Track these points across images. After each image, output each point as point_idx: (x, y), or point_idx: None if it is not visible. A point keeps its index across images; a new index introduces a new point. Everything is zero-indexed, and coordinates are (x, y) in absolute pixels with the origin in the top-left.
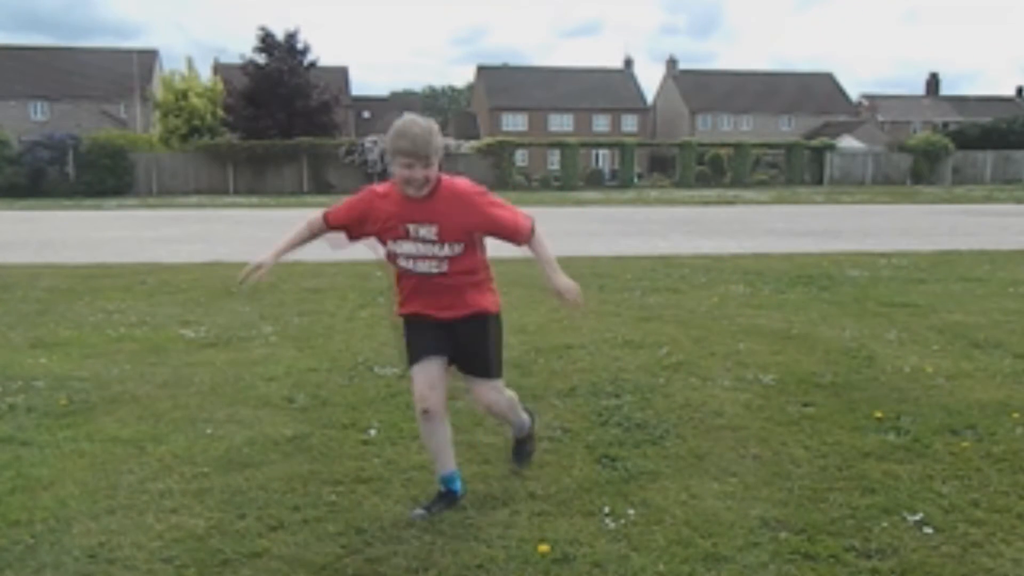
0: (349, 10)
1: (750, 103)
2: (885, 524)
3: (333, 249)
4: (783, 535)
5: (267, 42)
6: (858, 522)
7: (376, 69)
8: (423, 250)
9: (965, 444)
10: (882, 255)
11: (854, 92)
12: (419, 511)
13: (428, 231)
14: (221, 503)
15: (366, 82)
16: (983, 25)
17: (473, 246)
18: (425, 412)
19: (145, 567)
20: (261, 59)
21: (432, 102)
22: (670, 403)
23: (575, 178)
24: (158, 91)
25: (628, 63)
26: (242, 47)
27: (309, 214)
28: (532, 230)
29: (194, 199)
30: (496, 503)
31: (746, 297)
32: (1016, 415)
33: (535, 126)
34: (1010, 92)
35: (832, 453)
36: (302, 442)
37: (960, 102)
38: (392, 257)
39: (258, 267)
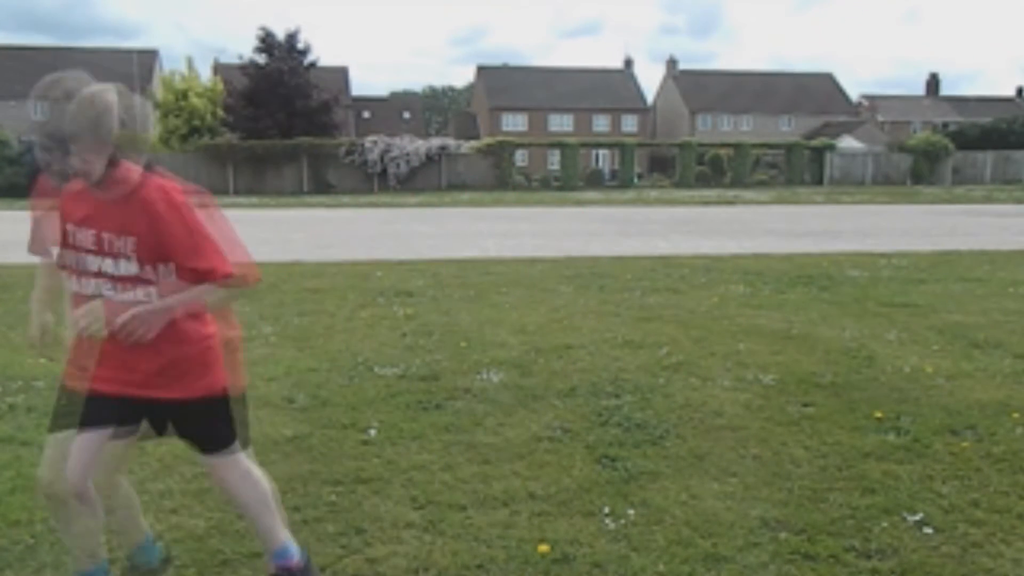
0: (349, 10)
1: (750, 103)
2: (885, 524)
3: None
4: (783, 535)
5: (267, 42)
6: (858, 522)
7: (376, 69)
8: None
9: (965, 444)
10: (882, 255)
11: (854, 92)
12: None
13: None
14: (221, 503)
15: (366, 82)
16: (983, 25)
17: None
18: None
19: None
20: (261, 59)
21: (432, 102)
22: (670, 403)
23: (575, 178)
24: (158, 91)
25: (628, 63)
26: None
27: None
28: (230, 276)
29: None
30: (496, 503)
31: (746, 297)
32: (1016, 415)
33: (535, 126)
34: (1010, 92)
35: (832, 453)
36: (302, 442)
37: (960, 102)
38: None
39: (42, 332)
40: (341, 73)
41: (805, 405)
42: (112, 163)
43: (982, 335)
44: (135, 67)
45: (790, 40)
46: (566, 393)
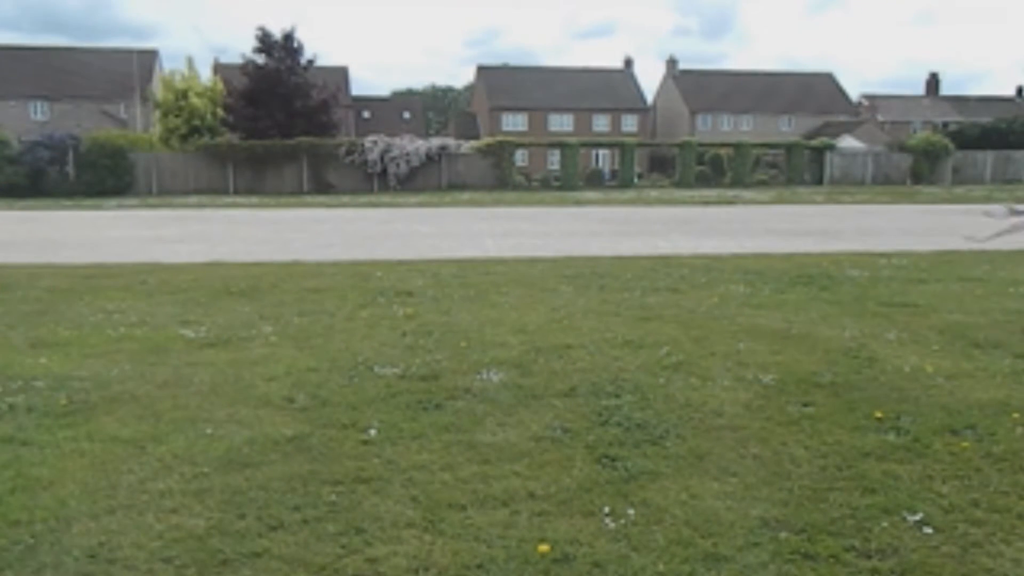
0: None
1: (750, 103)
2: (885, 524)
3: None
4: (783, 535)
5: (266, 42)
6: (858, 522)
7: (390, 70)
8: None
9: (965, 444)
10: (882, 255)
11: (860, 92)
12: None
13: None
14: (221, 503)
15: (379, 82)
16: (986, 25)
17: None
18: None
19: (145, 567)
20: (260, 59)
21: (433, 102)
22: (670, 403)
23: (575, 178)
24: (158, 91)
25: (628, 63)
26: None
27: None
28: None
29: (194, 199)
30: (496, 503)
31: (746, 297)
32: (1016, 415)
33: (535, 126)
34: (1010, 92)
35: (832, 453)
36: (302, 442)
37: (960, 102)
38: None
39: None
40: (341, 73)
41: (805, 405)
42: None
43: (982, 335)
44: (135, 67)
45: (801, 42)
46: (566, 393)
